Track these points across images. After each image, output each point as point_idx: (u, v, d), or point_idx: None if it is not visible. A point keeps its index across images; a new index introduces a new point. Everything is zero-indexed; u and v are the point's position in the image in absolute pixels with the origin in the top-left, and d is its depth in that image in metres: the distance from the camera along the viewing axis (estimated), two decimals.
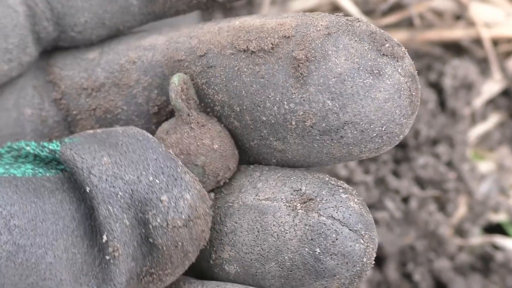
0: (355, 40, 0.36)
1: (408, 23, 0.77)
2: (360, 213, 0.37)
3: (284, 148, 0.38)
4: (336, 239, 0.36)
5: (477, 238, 0.75)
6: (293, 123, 0.37)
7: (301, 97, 0.36)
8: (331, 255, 0.36)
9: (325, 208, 0.37)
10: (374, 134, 0.36)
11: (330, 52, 0.36)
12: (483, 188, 0.76)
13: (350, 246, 0.36)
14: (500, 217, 0.76)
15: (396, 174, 0.75)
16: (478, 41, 0.78)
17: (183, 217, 0.34)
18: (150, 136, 0.36)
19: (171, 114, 0.42)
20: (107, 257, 0.34)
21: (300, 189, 0.38)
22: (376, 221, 0.73)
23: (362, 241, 0.36)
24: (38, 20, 0.41)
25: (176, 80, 0.39)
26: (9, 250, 0.32)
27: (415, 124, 0.75)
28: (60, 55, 0.44)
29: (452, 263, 0.74)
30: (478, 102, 0.78)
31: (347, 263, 0.36)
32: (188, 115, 0.39)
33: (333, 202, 0.37)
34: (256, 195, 0.38)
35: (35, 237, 0.33)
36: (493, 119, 0.78)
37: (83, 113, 0.43)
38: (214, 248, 0.38)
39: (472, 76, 0.77)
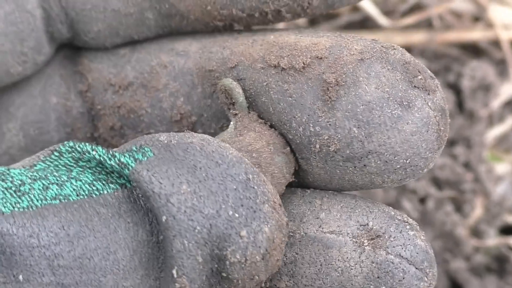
0: (388, 69, 0.36)
1: (427, 24, 0.77)
2: (426, 251, 0.36)
3: (306, 169, 0.38)
4: (403, 277, 0.36)
5: (493, 239, 0.75)
6: (317, 146, 0.37)
7: (328, 121, 0.36)
8: None
9: (393, 246, 0.36)
10: (398, 166, 0.36)
11: (361, 78, 0.36)
12: (500, 190, 0.77)
13: (416, 285, 0.36)
14: None
15: None
16: (496, 43, 0.78)
17: (262, 251, 0.33)
18: (230, 154, 0.33)
19: (193, 125, 0.41)
20: None
21: (367, 224, 0.37)
22: None
23: (426, 279, 0.36)
24: (52, 22, 0.41)
25: (232, 81, 0.38)
26: None
27: None
28: (93, 51, 0.44)
29: (468, 264, 0.74)
30: (496, 103, 0.78)
31: None
32: (249, 112, 0.38)
33: (401, 240, 0.36)
34: (319, 227, 0.37)
35: (81, 275, 0.31)
36: (511, 120, 0.78)
37: (108, 109, 0.43)
38: (270, 276, 0.37)
39: (490, 78, 0.77)
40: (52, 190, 0.32)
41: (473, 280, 0.73)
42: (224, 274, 0.32)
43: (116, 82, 0.42)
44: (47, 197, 0.31)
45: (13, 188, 0.31)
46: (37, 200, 0.31)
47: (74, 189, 0.32)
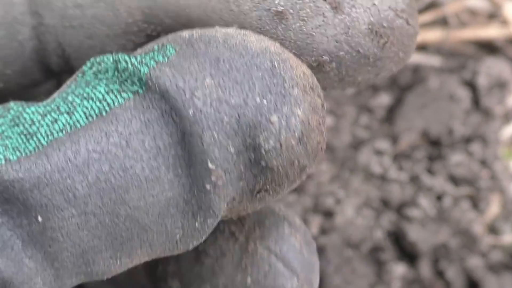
0: None
1: (442, 22, 0.78)
2: (299, 252, 0.36)
3: None
4: (268, 272, 0.35)
5: (509, 236, 0.75)
6: None
7: None
8: (261, 287, 0.35)
9: (265, 239, 0.36)
10: None
11: None
12: None
13: (283, 283, 0.35)
14: None
15: (430, 171, 0.75)
16: (511, 41, 0.78)
17: (297, 134, 0.31)
18: (253, 46, 0.32)
19: None
20: (208, 186, 0.31)
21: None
22: (410, 219, 0.73)
23: (295, 280, 0.36)
24: (48, 55, 0.40)
25: None
26: (77, 222, 0.31)
27: (449, 122, 0.76)
28: None
29: (485, 261, 0.74)
30: (511, 101, 0.78)
31: None
32: None
33: (273, 235, 0.36)
34: None
35: (102, 199, 0.31)
36: None
37: None
38: (161, 261, 0.37)
39: (506, 75, 0.77)
40: (61, 121, 0.31)
41: (490, 277, 0.73)
42: (263, 163, 0.32)
43: None
44: (54, 131, 0.31)
45: (24, 132, 0.31)
46: (43, 138, 0.31)
47: (84, 112, 0.32)
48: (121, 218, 0.31)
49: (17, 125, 0.32)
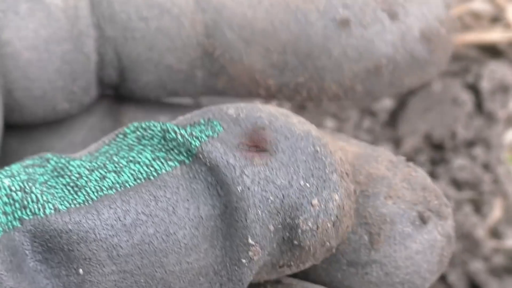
0: (407, 188, 0.37)
1: None
2: None
3: (308, 271, 0.39)
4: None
5: None
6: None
7: None
8: None
9: None
10: (397, 280, 0.37)
11: (381, 192, 0.37)
12: None
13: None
14: None
15: (433, 175, 0.75)
16: None
17: (332, 218, 0.33)
18: (297, 130, 0.34)
19: None
20: (243, 260, 0.32)
21: None
22: None
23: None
24: (104, 66, 0.41)
25: None
26: (115, 279, 0.31)
27: (452, 125, 0.76)
28: (134, 107, 0.44)
29: (487, 265, 0.74)
30: None
31: None
32: None
33: None
34: None
35: (142, 260, 0.31)
36: None
37: None
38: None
39: (509, 79, 0.77)
40: (109, 179, 0.32)
41: (492, 282, 0.73)
42: (295, 242, 0.33)
43: None
44: (103, 188, 0.32)
45: (71, 184, 0.32)
46: (93, 193, 0.32)
47: (131, 174, 0.32)
48: (155, 280, 0.32)
49: (62, 176, 0.32)
